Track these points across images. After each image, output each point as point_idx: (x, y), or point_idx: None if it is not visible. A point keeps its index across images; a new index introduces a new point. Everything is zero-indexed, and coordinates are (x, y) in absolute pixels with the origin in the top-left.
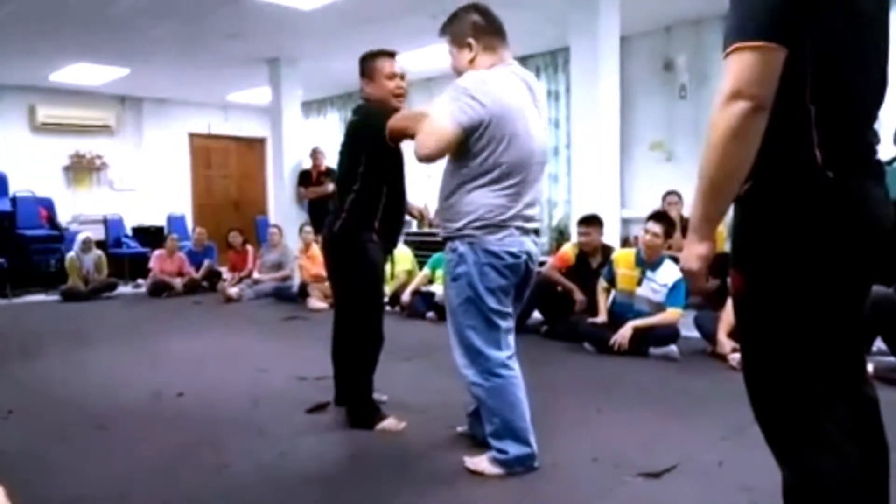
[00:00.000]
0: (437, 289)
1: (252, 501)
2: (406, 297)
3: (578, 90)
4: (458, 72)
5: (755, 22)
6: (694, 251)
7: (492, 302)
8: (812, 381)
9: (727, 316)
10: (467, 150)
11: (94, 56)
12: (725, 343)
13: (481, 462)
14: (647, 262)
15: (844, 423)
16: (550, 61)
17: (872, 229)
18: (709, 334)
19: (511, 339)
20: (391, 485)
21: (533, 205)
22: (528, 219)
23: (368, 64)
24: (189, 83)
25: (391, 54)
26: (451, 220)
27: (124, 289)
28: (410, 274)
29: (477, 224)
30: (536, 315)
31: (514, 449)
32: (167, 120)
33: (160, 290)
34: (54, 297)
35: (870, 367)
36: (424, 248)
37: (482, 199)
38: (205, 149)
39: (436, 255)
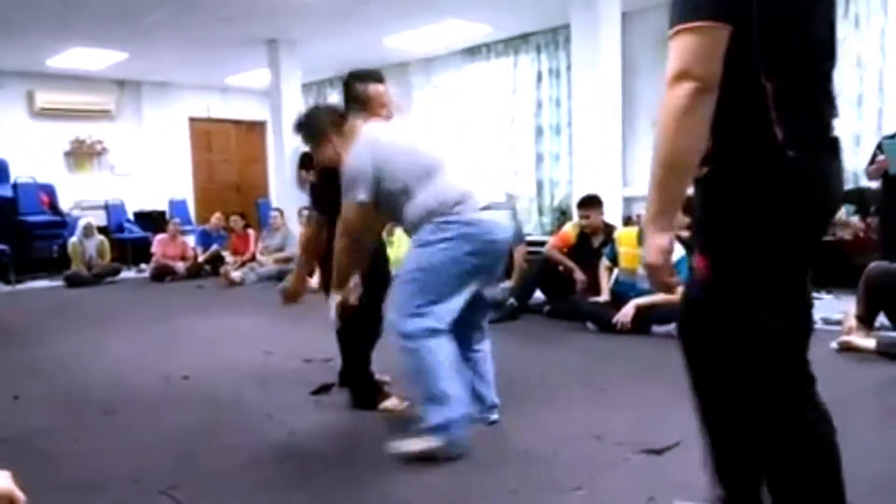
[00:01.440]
0: None
1: (263, 482)
2: None
3: (579, 68)
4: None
5: (697, 2)
6: (655, 244)
7: (454, 270)
8: (777, 363)
9: None
10: (384, 195)
11: (92, 40)
12: None
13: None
14: None
15: (803, 400)
16: (551, 38)
17: (831, 207)
18: None
19: (450, 316)
20: (395, 462)
21: (480, 188)
22: (492, 196)
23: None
24: (188, 66)
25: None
26: (413, 223)
27: (127, 273)
28: None
29: (440, 210)
30: (538, 295)
31: (436, 416)
32: (166, 104)
33: (163, 274)
34: (58, 282)
35: (872, 343)
36: None
37: (429, 197)
38: (205, 132)
39: None
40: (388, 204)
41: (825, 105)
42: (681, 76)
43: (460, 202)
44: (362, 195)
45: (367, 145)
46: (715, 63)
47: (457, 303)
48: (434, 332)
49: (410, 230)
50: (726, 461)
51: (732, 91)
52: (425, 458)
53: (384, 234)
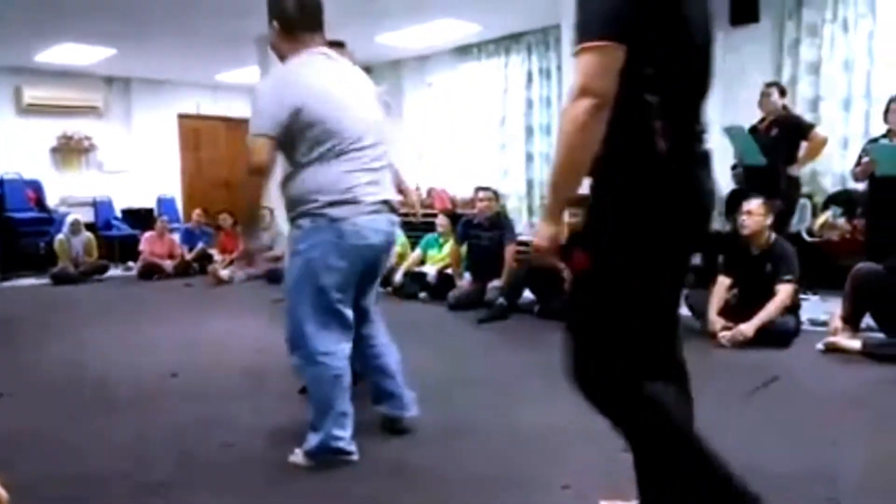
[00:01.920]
0: (430, 269)
1: (254, 480)
2: (398, 277)
3: (570, 68)
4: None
5: (597, 23)
6: (547, 233)
7: (329, 282)
8: (640, 345)
9: (718, 295)
10: (292, 137)
11: (81, 36)
12: (716, 321)
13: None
14: None
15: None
16: (542, 38)
17: (703, 216)
18: (699, 312)
19: (347, 331)
20: (383, 460)
21: (377, 182)
22: (381, 192)
23: None
24: (177, 63)
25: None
26: (294, 200)
27: (115, 271)
28: (402, 256)
29: (325, 200)
30: (528, 295)
31: (316, 439)
32: (155, 101)
33: (151, 272)
34: (44, 280)
35: (858, 344)
36: (416, 230)
37: (319, 178)
38: (194, 130)
39: (427, 237)
40: (289, 161)
41: (697, 122)
42: (582, 92)
43: (347, 198)
44: (270, 131)
45: (291, 79)
46: (611, 80)
47: (348, 308)
48: (334, 350)
49: (288, 210)
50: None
51: (621, 104)
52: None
53: None
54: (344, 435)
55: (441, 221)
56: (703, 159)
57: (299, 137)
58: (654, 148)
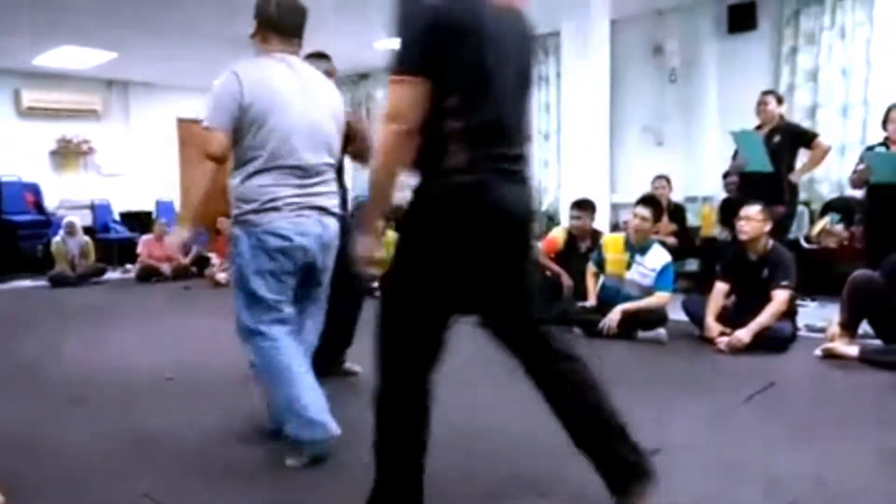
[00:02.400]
0: None
1: (248, 481)
2: None
3: (568, 74)
4: None
5: (399, 60)
6: (363, 242)
7: (259, 286)
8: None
9: (715, 300)
10: (235, 140)
11: (80, 39)
12: (713, 327)
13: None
14: (636, 247)
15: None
16: (541, 45)
17: (504, 224)
18: (697, 318)
19: (284, 325)
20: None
21: (312, 194)
22: (312, 199)
23: None
24: (176, 67)
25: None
26: (233, 206)
27: (112, 274)
28: None
29: (249, 208)
30: None
31: (297, 429)
32: (155, 104)
33: (149, 275)
34: (41, 282)
35: (855, 350)
36: None
37: (252, 183)
38: (193, 133)
39: None
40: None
41: (508, 146)
42: (391, 119)
43: (268, 207)
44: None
45: (256, 78)
46: (417, 110)
47: (287, 309)
48: (273, 332)
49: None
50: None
51: (427, 129)
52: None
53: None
54: (318, 420)
55: None
56: (512, 178)
57: (238, 142)
58: (455, 167)
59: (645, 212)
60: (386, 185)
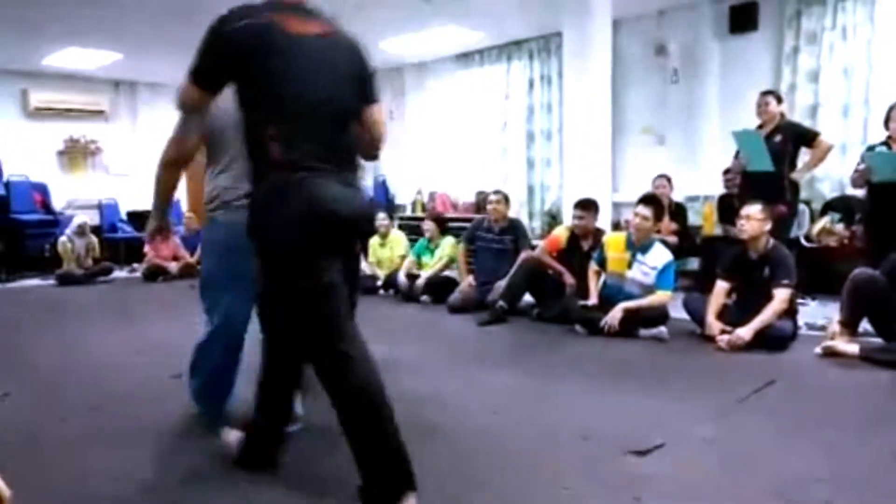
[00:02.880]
0: (422, 275)
1: (251, 481)
2: (402, 280)
3: (570, 74)
4: None
5: (192, 67)
6: (149, 226)
7: (219, 277)
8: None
9: (716, 299)
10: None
11: (87, 40)
12: (714, 325)
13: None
14: (637, 245)
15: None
16: (543, 45)
17: (324, 215)
18: (698, 316)
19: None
20: None
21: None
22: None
23: None
24: (183, 67)
25: None
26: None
27: (119, 273)
28: (404, 258)
29: (213, 205)
30: (528, 298)
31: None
32: (161, 104)
33: (155, 274)
34: (49, 281)
35: (856, 349)
36: (417, 233)
37: (216, 183)
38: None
39: (418, 243)
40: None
41: (325, 146)
42: (177, 107)
43: (219, 203)
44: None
45: None
46: (192, 105)
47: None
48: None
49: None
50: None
51: (251, 131)
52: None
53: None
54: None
55: (427, 226)
56: (335, 171)
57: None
58: (276, 164)
59: (646, 211)
60: (167, 163)
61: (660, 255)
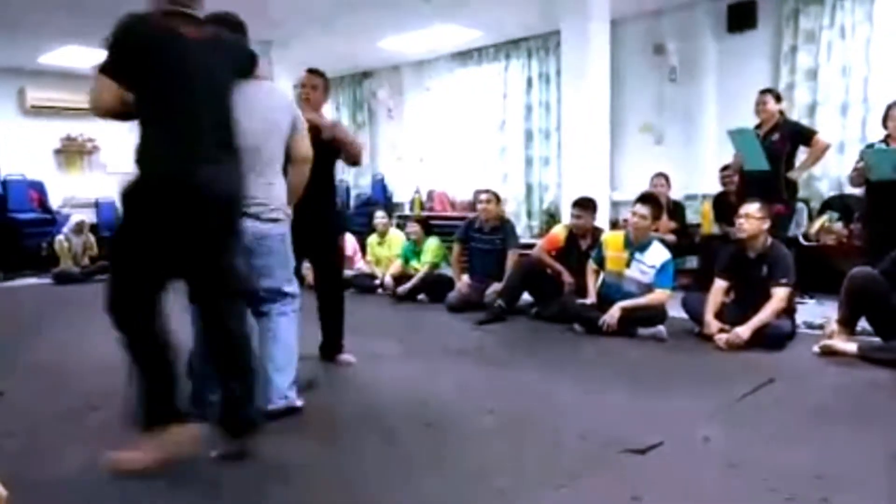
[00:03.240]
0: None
1: (248, 480)
2: (388, 281)
3: (569, 73)
4: None
5: (104, 62)
6: None
7: None
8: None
9: (714, 297)
10: None
11: (84, 38)
12: (712, 324)
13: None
14: (636, 244)
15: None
16: (542, 44)
17: (194, 198)
18: (696, 315)
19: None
20: (383, 462)
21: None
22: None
23: None
24: None
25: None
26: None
27: None
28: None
29: None
30: (526, 297)
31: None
32: None
33: None
34: (46, 280)
35: (854, 347)
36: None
37: None
38: None
39: (404, 246)
40: None
41: (203, 142)
42: (92, 102)
43: None
44: None
45: None
46: (102, 94)
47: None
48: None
49: None
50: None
51: (144, 125)
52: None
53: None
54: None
55: (412, 229)
56: (209, 162)
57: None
58: (147, 159)
59: (644, 210)
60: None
61: (658, 254)
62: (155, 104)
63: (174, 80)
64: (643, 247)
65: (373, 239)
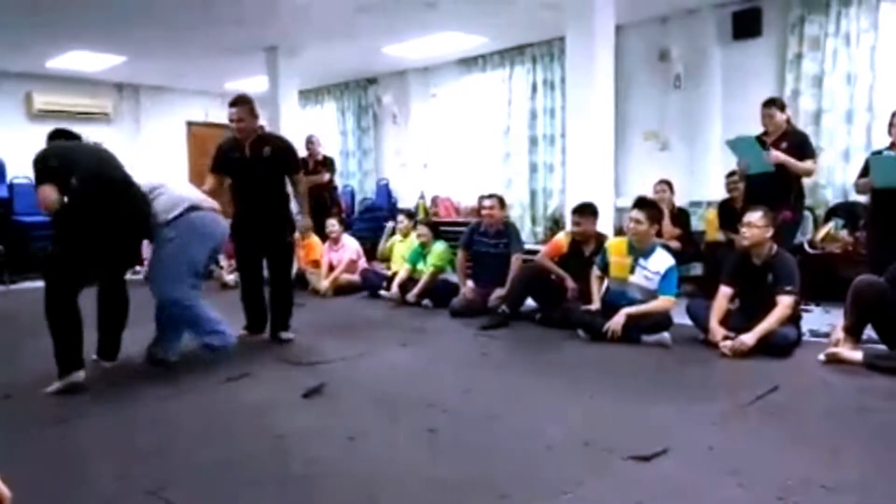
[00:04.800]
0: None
1: (252, 482)
2: (394, 290)
3: (573, 80)
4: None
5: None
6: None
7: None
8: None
9: (719, 304)
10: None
11: (91, 44)
12: (717, 331)
13: None
14: (639, 250)
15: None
16: (546, 50)
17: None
18: (701, 322)
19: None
20: (382, 466)
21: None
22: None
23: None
24: (186, 72)
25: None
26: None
27: None
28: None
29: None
30: (530, 302)
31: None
32: (165, 108)
33: None
34: None
35: (859, 356)
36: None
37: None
38: (202, 137)
39: (413, 249)
40: None
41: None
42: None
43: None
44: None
45: None
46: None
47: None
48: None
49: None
50: None
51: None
52: None
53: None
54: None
55: (422, 231)
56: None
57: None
58: None
59: (639, 215)
60: None
61: (662, 260)
62: None
63: None
64: (647, 253)
65: (396, 238)
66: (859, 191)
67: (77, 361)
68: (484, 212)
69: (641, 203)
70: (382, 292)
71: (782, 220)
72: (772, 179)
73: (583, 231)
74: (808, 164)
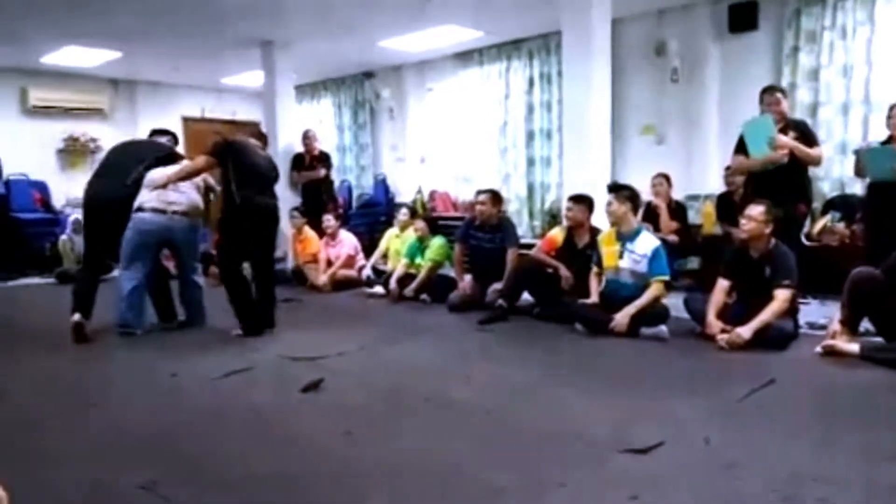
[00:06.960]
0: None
1: (249, 478)
2: (393, 286)
3: (570, 74)
4: None
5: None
6: None
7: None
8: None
9: (716, 298)
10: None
11: (86, 39)
12: (714, 324)
13: None
14: (625, 235)
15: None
16: (542, 44)
17: (261, 215)
18: (698, 315)
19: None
20: (377, 464)
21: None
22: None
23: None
24: (182, 66)
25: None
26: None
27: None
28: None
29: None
30: (527, 297)
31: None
32: (161, 103)
33: None
34: (49, 280)
35: (856, 348)
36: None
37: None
38: (199, 132)
39: (409, 244)
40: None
41: (262, 192)
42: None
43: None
44: None
45: None
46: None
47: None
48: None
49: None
50: None
51: (225, 188)
52: None
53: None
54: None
55: (419, 225)
56: (262, 199)
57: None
58: (234, 198)
59: (609, 198)
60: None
61: (647, 242)
62: None
63: None
64: (632, 237)
65: (392, 232)
66: (857, 174)
67: (253, 315)
68: (477, 207)
69: (611, 187)
70: (376, 289)
71: (799, 214)
72: (785, 173)
73: (572, 217)
74: (818, 150)
